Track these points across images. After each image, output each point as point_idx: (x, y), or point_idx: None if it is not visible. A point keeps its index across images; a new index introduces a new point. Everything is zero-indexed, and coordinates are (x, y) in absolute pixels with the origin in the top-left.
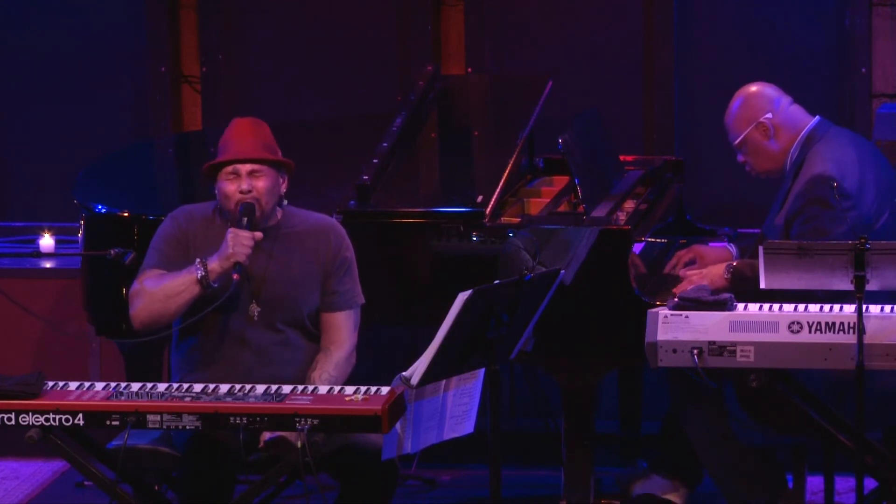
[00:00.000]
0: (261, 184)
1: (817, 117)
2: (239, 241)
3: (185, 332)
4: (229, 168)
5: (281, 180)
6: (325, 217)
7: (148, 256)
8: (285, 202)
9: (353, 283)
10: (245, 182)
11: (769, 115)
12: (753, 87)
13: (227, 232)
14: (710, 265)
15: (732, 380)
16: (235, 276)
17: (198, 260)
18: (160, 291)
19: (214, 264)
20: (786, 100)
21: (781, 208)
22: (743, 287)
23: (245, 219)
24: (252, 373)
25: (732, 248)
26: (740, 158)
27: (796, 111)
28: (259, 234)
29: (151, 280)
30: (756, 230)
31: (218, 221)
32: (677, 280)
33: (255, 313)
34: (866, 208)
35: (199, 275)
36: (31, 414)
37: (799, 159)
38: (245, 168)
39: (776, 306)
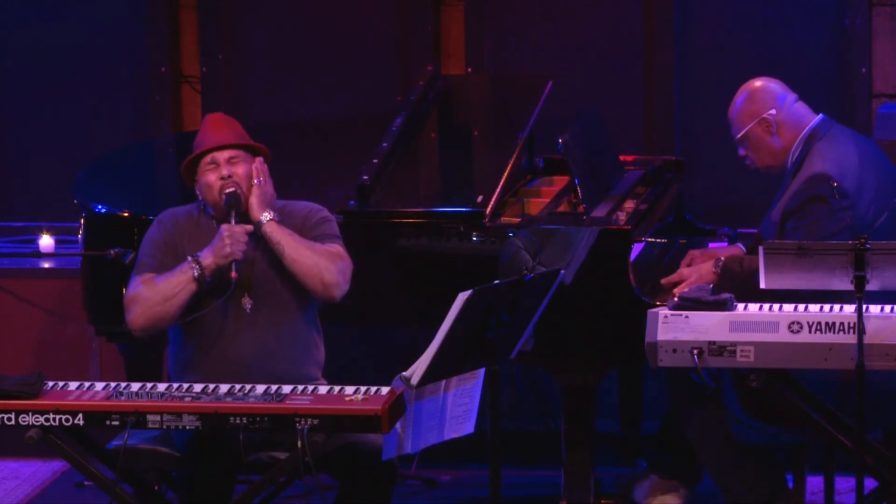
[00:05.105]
0: (240, 170)
1: (821, 115)
2: (235, 238)
3: (179, 329)
4: (207, 158)
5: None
6: (310, 203)
7: (139, 263)
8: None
9: (333, 235)
10: (224, 168)
11: (773, 112)
12: (759, 83)
13: (220, 228)
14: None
15: (732, 380)
16: (234, 275)
17: (190, 258)
18: (157, 295)
19: (209, 260)
20: (791, 96)
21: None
22: (731, 282)
23: (233, 211)
24: (248, 364)
25: (741, 248)
26: (741, 152)
27: (800, 108)
28: (250, 227)
29: (145, 285)
30: (756, 230)
31: (203, 221)
32: (676, 281)
33: (248, 305)
34: (864, 208)
35: (196, 273)
36: (31, 414)
37: (800, 157)
38: (223, 156)
39: (776, 306)
